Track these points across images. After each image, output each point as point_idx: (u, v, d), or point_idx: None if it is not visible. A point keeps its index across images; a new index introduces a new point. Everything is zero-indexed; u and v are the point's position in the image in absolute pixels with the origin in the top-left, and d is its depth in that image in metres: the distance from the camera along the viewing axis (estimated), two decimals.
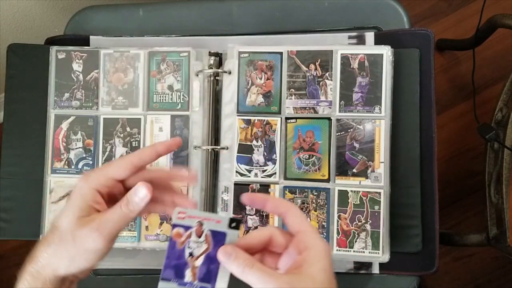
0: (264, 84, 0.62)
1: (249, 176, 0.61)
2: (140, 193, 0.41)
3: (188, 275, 0.39)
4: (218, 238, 0.39)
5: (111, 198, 0.42)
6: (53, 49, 0.65)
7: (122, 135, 0.64)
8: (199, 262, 0.39)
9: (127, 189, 0.42)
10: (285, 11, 0.68)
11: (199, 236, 0.39)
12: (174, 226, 0.39)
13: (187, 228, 0.39)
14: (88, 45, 0.67)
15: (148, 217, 0.62)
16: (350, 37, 0.64)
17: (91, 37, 0.67)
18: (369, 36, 0.63)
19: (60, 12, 1.03)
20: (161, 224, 0.62)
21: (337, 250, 0.59)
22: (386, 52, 0.60)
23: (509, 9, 1.18)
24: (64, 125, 0.64)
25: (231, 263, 0.37)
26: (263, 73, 0.62)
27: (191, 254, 0.39)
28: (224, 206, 0.62)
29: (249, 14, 0.69)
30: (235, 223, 0.39)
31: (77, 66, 0.65)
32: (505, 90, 0.85)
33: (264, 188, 0.61)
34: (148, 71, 0.64)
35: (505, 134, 0.80)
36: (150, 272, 0.64)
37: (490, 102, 0.91)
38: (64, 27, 0.71)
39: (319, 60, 0.61)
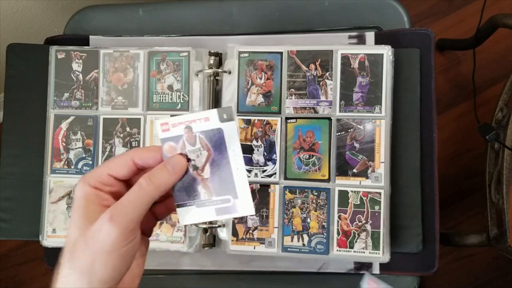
0: (264, 84, 0.62)
1: (249, 176, 0.61)
2: (172, 161, 0.34)
3: (202, 192, 0.34)
4: (215, 138, 0.34)
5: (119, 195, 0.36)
6: (53, 49, 0.65)
7: (122, 135, 0.63)
8: (206, 172, 0.34)
9: None
10: (285, 11, 0.68)
11: (194, 143, 0.34)
12: (163, 142, 0.34)
13: (177, 138, 0.34)
14: (88, 45, 0.67)
15: None
16: (350, 37, 0.64)
17: (90, 37, 0.67)
18: (370, 36, 0.63)
19: (60, 12, 1.03)
20: (161, 224, 0.62)
21: (337, 250, 0.59)
22: (386, 52, 0.60)
23: (509, 8, 1.18)
24: (64, 125, 0.64)
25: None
26: (263, 73, 0.62)
27: (194, 167, 0.34)
28: None
29: (249, 14, 0.68)
30: (225, 114, 0.33)
31: (76, 66, 0.65)
32: (506, 90, 0.85)
33: (264, 188, 0.61)
34: (148, 71, 0.64)
35: (506, 134, 0.79)
36: (150, 272, 0.64)
37: (491, 102, 0.91)
38: (63, 27, 0.71)
39: (319, 60, 0.61)
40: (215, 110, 0.33)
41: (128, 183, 0.37)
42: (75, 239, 0.32)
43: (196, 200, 0.34)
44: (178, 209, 0.34)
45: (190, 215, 0.35)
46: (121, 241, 0.32)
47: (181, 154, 0.34)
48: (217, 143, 0.33)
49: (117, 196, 0.35)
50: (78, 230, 0.33)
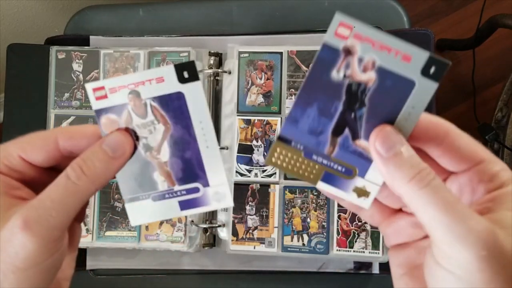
0: (264, 84, 0.62)
1: (249, 176, 0.61)
2: (111, 140, 0.25)
3: (159, 181, 0.26)
4: (174, 106, 0.25)
5: (35, 185, 0.27)
6: (53, 49, 0.65)
7: None
8: (164, 154, 0.26)
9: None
10: (285, 11, 0.68)
11: (144, 115, 0.25)
12: (98, 114, 0.25)
13: (119, 109, 0.25)
14: (88, 45, 0.67)
15: None
16: None
17: (91, 37, 0.67)
18: None
19: (60, 12, 1.03)
20: (161, 224, 0.62)
21: (337, 250, 0.59)
22: None
23: (509, 9, 1.18)
24: (64, 125, 0.64)
25: (392, 165, 0.23)
26: (263, 73, 0.62)
27: (147, 148, 0.26)
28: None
29: (249, 14, 0.69)
30: (187, 71, 0.24)
31: (77, 66, 0.65)
32: (505, 90, 0.85)
33: (264, 188, 0.61)
34: None
35: (505, 134, 0.80)
36: (151, 272, 0.64)
37: (490, 102, 0.91)
38: (64, 27, 0.71)
39: None
40: (171, 66, 0.24)
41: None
42: None
43: (151, 191, 0.26)
44: (127, 205, 0.26)
45: (144, 212, 0.26)
46: (42, 254, 0.23)
47: (125, 129, 0.26)
48: (177, 112, 0.25)
49: (33, 184, 0.26)
50: None
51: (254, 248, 0.60)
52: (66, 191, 0.23)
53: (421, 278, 0.25)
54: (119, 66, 0.64)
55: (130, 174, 0.26)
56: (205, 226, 0.61)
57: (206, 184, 0.26)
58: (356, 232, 0.59)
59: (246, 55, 0.62)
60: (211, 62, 0.64)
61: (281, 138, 0.25)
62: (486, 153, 0.24)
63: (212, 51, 0.65)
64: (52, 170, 0.27)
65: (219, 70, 0.63)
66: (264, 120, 0.62)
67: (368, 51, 0.24)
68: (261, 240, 0.60)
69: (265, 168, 0.61)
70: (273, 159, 0.26)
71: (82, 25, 0.71)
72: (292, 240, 0.60)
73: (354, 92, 0.24)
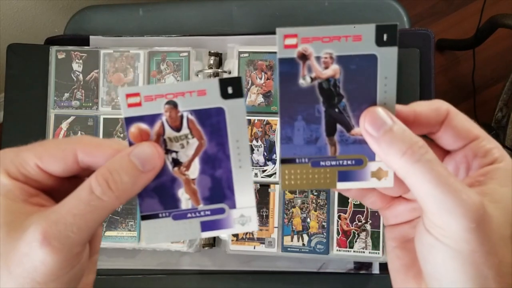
0: (264, 84, 0.62)
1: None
2: (141, 152, 0.23)
3: (184, 199, 0.24)
4: (212, 121, 0.23)
5: (53, 192, 0.26)
6: (53, 49, 0.65)
7: (122, 135, 0.64)
8: (194, 171, 0.24)
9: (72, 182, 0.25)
10: (285, 11, 0.68)
11: (178, 127, 0.24)
12: (127, 122, 0.23)
13: (152, 119, 0.23)
14: (88, 45, 0.67)
15: None
16: None
17: (91, 37, 0.67)
18: None
19: (60, 12, 1.03)
20: None
21: (337, 250, 0.59)
22: None
23: (509, 9, 1.18)
24: (64, 125, 0.64)
25: (384, 143, 0.23)
26: (263, 73, 0.62)
27: (176, 162, 0.24)
28: None
29: (249, 14, 0.69)
30: (232, 86, 0.23)
31: (77, 66, 0.65)
32: (505, 90, 0.85)
33: (264, 188, 0.61)
34: (148, 71, 0.64)
35: (505, 134, 0.80)
36: (151, 272, 0.64)
37: (490, 102, 0.91)
38: (64, 27, 0.71)
39: None
40: (216, 80, 0.23)
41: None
42: None
43: (173, 209, 0.24)
44: (143, 222, 0.24)
45: (161, 231, 0.24)
46: (62, 268, 0.22)
47: (155, 142, 0.24)
48: (215, 128, 0.23)
49: (51, 192, 0.25)
50: None
51: (254, 248, 0.60)
52: (88, 206, 0.22)
53: (411, 250, 0.27)
54: (119, 66, 0.64)
55: (151, 189, 0.24)
56: None
57: (232, 205, 0.25)
58: (356, 232, 0.59)
59: (246, 55, 0.62)
60: (211, 62, 0.64)
61: (284, 161, 0.25)
62: (480, 131, 0.25)
63: (212, 51, 0.65)
64: (72, 178, 0.26)
65: (219, 70, 0.63)
66: (264, 120, 0.62)
67: (320, 48, 0.24)
68: (261, 240, 0.60)
69: (265, 168, 0.61)
70: (286, 182, 0.26)
71: (82, 25, 0.71)
72: (292, 240, 0.60)
73: (327, 89, 0.25)
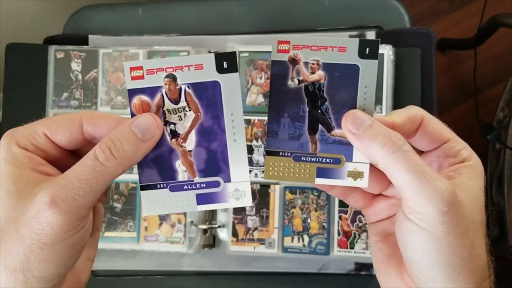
0: (264, 84, 0.62)
1: (249, 176, 0.61)
2: (142, 122, 0.25)
3: (180, 170, 0.25)
4: (208, 94, 0.25)
5: (57, 165, 0.27)
6: (52, 48, 0.64)
7: None
8: (190, 143, 0.25)
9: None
10: (285, 10, 0.68)
11: (177, 100, 0.25)
12: (130, 93, 0.25)
13: (152, 91, 0.25)
14: (87, 45, 0.66)
15: (147, 218, 0.62)
16: (351, 37, 0.63)
17: (90, 36, 0.67)
18: (370, 35, 0.63)
19: (59, 11, 1.03)
20: (160, 224, 0.61)
21: (338, 251, 0.59)
22: (387, 51, 0.60)
23: (510, 8, 1.18)
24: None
25: (365, 138, 0.25)
26: (263, 73, 0.62)
27: (174, 134, 0.25)
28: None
29: (249, 13, 0.68)
30: (227, 61, 0.25)
31: (76, 66, 0.64)
32: (507, 90, 0.84)
33: (264, 188, 0.60)
34: None
35: (507, 134, 0.79)
36: (150, 273, 0.63)
37: (492, 102, 0.90)
38: (62, 26, 0.71)
39: None
40: (212, 55, 0.24)
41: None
42: (3, 224, 0.24)
43: (170, 180, 0.25)
44: (142, 193, 0.25)
45: (159, 202, 0.25)
46: (68, 230, 0.23)
47: (155, 113, 0.25)
48: (211, 101, 0.24)
49: (55, 163, 0.27)
50: (6, 211, 0.24)
51: (254, 249, 0.60)
52: (94, 172, 0.24)
53: (392, 242, 0.30)
54: (118, 65, 0.64)
55: (150, 160, 0.25)
56: (204, 227, 0.61)
57: (227, 179, 0.25)
58: (357, 233, 0.59)
59: (246, 54, 0.62)
60: None
61: (269, 152, 0.28)
62: (451, 134, 0.29)
63: (212, 51, 0.64)
64: (75, 155, 0.28)
65: None
66: (264, 120, 0.61)
67: (309, 54, 0.27)
68: (261, 241, 0.60)
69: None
70: (270, 172, 0.28)
71: (81, 25, 0.70)
72: (292, 241, 0.59)
73: (312, 92, 0.27)
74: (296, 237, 0.59)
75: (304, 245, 0.59)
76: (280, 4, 0.68)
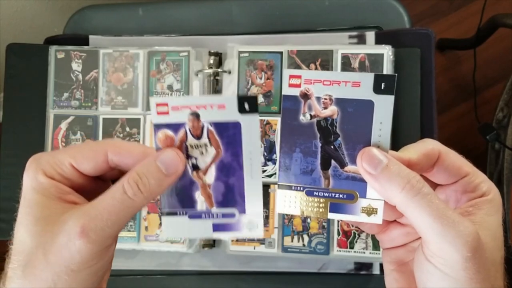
0: (264, 84, 0.62)
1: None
2: (166, 158, 0.26)
3: (199, 200, 0.27)
4: (229, 133, 0.26)
5: (82, 192, 0.29)
6: (52, 48, 0.64)
7: (121, 135, 0.63)
8: (210, 176, 0.27)
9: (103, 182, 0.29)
10: (285, 10, 0.68)
11: (199, 136, 0.26)
12: (156, 128, 0.27)
13: (176, 127, 0.26)
14: (88, 45, 0.66)
15: (147, 217, 0.62)
16: (350, 37, 0.63)
17: (90, 36, 0.67)
18: (370, 35, 0.63)
19: (59, 12, 1.03)
20: (161, 224, 0.62)
21: (337, 250, 0.59)
22: (386, 51, 0.60)
23: (510, 8, 1.18)
24: (63, 125, 0.64)
25: (383, 180, 0.25)
26: (263, 73, 0.62)
27: (195, 167, 0.27)
28: None
29: (249, 14, 0.68)
30: (248, 103, 0.26)
31: (76, 66, 0.64)
32: (506, 90, 0.85)
33: (264, 188, 0.61)
34: (147, 70, 0.64)
35: (506, 134, 0.79)
36: (150, 273, 0.64)
37: (491, 102, 0.91)
38: (63, 27, 0.71)
39: (319, 60, 0.61)
40: (234, 97, 0.25)
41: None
42: (30, 249, 0.25)
43: (189, 209, 0.27)
44: (164, 218, 0.27)
45: (178, 227, 0.27)
46: (94, 258, 0.25)
47: (178, 148, 0.27)
48: (231, 140, 0.26)
49: (81, 191, 0.28)
50: (34, 237, 0.25)
51: (254, 248, 0.60)
52: (122, 205, 0.25)
53: (408, 273, 0.29)
54: (119, 65, 0.64)
55: (172, 189, 0.27)
56: None
57: (242, 211, 0.27)
58: (357, 233, 0.59)
59: (246, 54, 0.62)
60: (211, 61, 0.64)
61: (281, 186, 0.28)
62: (469, 167, 0.28)
63: (212, 51, 0.64)
64: (97, 179, 0.29)
65: (219, 70, 0.63)
66: (264, 120, 0.61)
67: (321, 89, 0.26)
68: (261, 241, 0.60)
69: (265, 168, 0.61)
70: (283, 207, 0.28)
71: (81, 25, 0.70)
72: (292, 241, 0.59)
73: (324, 127, 0.27)
74: (296, 237, 0.60)
75: (304, 245, 0.59)
76: (280, 4, 0.68)
